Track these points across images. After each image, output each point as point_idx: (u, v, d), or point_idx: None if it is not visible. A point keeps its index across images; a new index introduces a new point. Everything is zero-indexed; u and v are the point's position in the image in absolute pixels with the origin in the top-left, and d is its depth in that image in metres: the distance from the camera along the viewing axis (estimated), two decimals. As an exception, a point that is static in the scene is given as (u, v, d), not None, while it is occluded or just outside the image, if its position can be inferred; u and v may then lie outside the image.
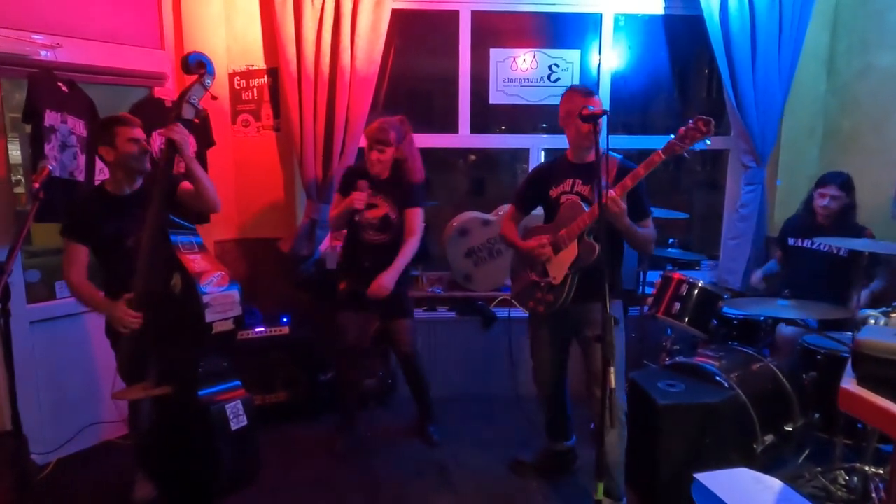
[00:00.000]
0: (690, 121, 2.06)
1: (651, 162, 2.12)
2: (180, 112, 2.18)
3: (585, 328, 2.38)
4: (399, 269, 2.87)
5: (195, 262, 2.20)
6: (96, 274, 2.39)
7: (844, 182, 3.06)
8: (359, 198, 2.81)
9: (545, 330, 2.58)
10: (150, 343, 2.22)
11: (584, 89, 2.32)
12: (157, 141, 3.14)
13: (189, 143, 2.20)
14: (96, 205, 2.33)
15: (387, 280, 2.82)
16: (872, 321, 1.40)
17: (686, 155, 2.07)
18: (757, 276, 3.46)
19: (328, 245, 3.71)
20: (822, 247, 3.11)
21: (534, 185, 2.58)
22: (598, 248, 2.19)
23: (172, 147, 2.16)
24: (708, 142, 2.01)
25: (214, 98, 2.32)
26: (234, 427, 2.21)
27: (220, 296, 2.16)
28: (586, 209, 2.28)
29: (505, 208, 3.66)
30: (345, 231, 4.05)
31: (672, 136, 2.09)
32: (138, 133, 2.32)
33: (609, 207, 2.11)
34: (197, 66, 2.18)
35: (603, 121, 1.95)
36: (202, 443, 2.21)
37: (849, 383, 1.21)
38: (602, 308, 1.54)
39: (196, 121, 2.26)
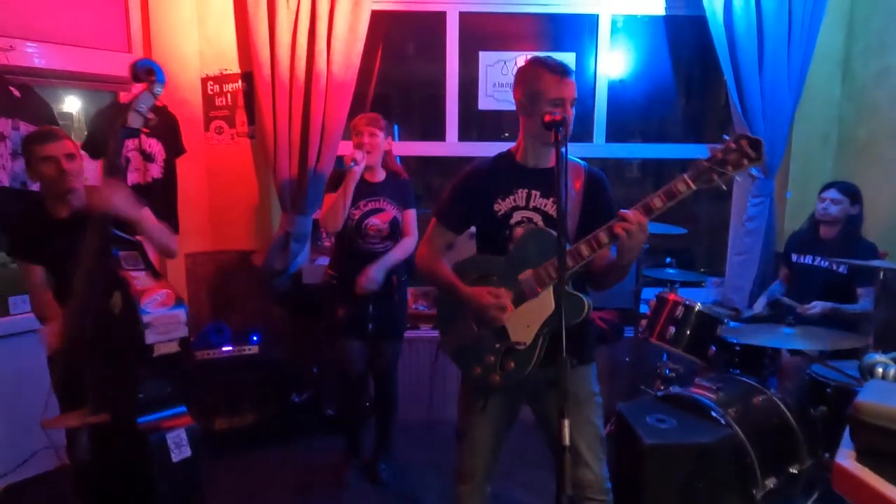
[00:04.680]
0: (728, 138, 1.54)
1: (673, 192, 1.53)
2: (126, 121, 1.98)
3: (550, 402, 1.74)
4: (391, 262, 2.62)
5: (138, 279, 2.03)
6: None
7: (847, 188, 2.86)
8: (356, 154, 2.51)
9: (492, 400, 1.80)
10: (86, 366, 2.03)
11: (557, 65, 1.67)
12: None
13: (128, 201, 1.97)
14: (33, 226, 2.14)
15: (375, 272, 2.57)
16: (880, 370, 1.15)
17: (724, 187, 1.54)
18: (761, 303, 3.17)
19: (308, 260, 3.53)
20: (822, 262, 2.90)
21: (469, 193, 1.80)
22: (588, 305, 1.62)
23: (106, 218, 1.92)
24: (754, 171, 1.54)
25: (164, 107, 2.11)
26: (175, 458, 2.03)
27: (162, 315, 1.97)
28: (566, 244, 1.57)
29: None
30: (329, 245, 3.92)
31: (701, 157, 1.55)
32: (56, 149, 2.02)
33: (633, 235, 1.51)
34: (146, 73, 1.99)
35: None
36: (139, 474, 2.03)
37: (846, 457, 0.97)
38: (558, 349, 1.31)
39: (146, 130, 2.10)
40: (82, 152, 2.30)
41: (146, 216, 2.11)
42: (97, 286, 2.00)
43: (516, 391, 1.82)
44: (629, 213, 1.55)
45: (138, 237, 2.16)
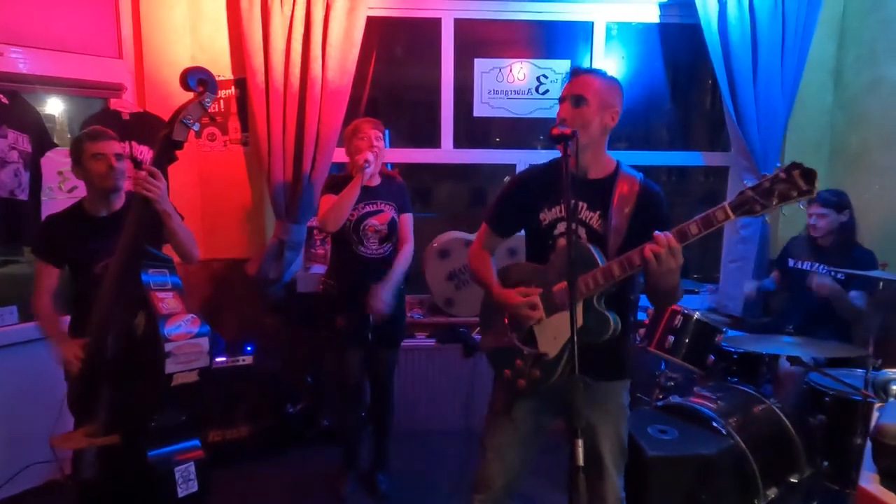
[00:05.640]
0: (778, 166, 1.45)
1: (710, 220, 1.48)
2: (171, 132, 1.93)
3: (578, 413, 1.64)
4: (397, 280, 2.61)
5: (165, 301, 1.98)
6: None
7: (829, 199, 2.88)
8: (368, 154, 2.48)
9: (519, 405, 1.80)
10: (103, 383, 1.99)
11: (572, 70, 1.76)
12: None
13: (167, 196, 1.97)
14: (70, 223, 2.14)
15: (386, 294, 2.54)
16: (895, 388, 1.15)
17: (767, 219, 1.51)
18: (751, 285, 3.21)
19: (301, 268, 3.49)
20: (820, 269, 2.93)
21: (517, 199, 1.84)
22: (614, 323, 1.61)
23: (146, 202, 1.92)
24: (802, 206, 1.45)
25: (214, 120, 2.08)
26: (181, 493, 1.98)
27: (185, 344, 1.93)
28: (599, 259, 1.60)
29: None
30: (322, 252, 3.88)
31: (747, 183, 1.57)
32: (106, 147, 2.07)
33: (662, 260, 1.48)
34: (198, 83, 1.94)
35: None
36: (143, 504, 1.99)
37: (869, 480, 0.95)
38: (570, 366, 1.29)
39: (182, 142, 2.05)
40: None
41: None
42: (123, 300, 1.96)
43: (546, 403, 1.80)
44: (661, 235, 1.50)
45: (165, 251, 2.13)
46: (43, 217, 2.76)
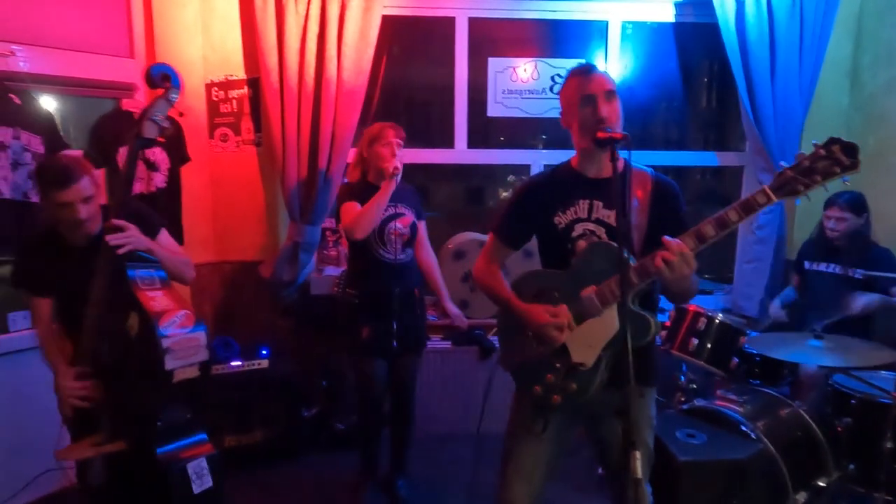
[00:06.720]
0: (817, 143, 1.40)
1: (751, 205, 1.43)
2: (141, 131, 1.92)
3: (609, 425, 1.66)
4: (445, 288, 2.92)
5: (155, 299, 1.93)
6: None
7: (849, 201, 2.86)
8: (397, 162, 2.47)
9: (549, 420, 1.69)
10: (103, 392, 1.94)
11: (581, 67, 1.67)
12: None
13: (138, 238, 1.88)
14: (48, 253, 1.99)
15: (452, 307, 2.99)
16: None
17: (807, 198, 1.41)
18: (775, 306, 3.17)
19: (314, 270, 3.45)
20: (836, 269, 2.92)
21: (527, 207, 1.75)
22: (655, 324, 1.53)
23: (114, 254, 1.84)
24: (847, 180, 1.38)
25: (181, 115, 2.09)
26: (196, 490, 1.96)
27: (183, 339, 1.89)
28: (630, 259, 1.52)
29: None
30: (335, 254, 3.83)
31: (784, 164, 1.42)
32: (73, 194, 1.84)
33: (674, 267, 1.42)
34: (162, 79, 1.96)
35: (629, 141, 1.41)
36: (158, 506, 1.96)
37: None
38: (624, 379, 1.26)
39: (161, 140, 2.04)
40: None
41: (162, 241, 2.07)
42: (112, 307, 1.90)
43: (573, 416, 1.73)
44: (672, 242, 1.43)
45: None
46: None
